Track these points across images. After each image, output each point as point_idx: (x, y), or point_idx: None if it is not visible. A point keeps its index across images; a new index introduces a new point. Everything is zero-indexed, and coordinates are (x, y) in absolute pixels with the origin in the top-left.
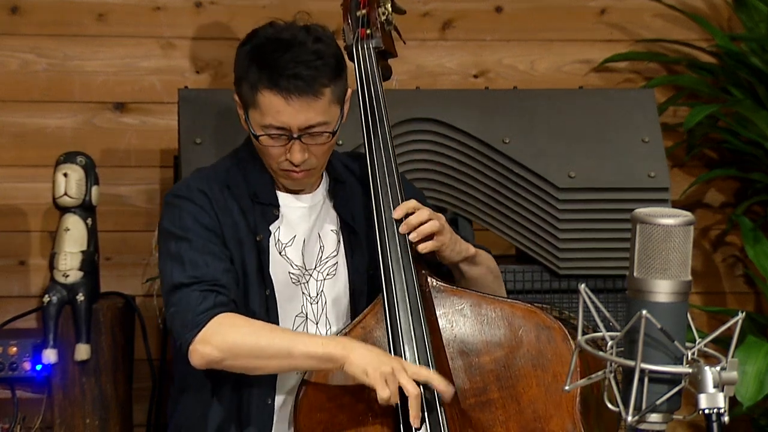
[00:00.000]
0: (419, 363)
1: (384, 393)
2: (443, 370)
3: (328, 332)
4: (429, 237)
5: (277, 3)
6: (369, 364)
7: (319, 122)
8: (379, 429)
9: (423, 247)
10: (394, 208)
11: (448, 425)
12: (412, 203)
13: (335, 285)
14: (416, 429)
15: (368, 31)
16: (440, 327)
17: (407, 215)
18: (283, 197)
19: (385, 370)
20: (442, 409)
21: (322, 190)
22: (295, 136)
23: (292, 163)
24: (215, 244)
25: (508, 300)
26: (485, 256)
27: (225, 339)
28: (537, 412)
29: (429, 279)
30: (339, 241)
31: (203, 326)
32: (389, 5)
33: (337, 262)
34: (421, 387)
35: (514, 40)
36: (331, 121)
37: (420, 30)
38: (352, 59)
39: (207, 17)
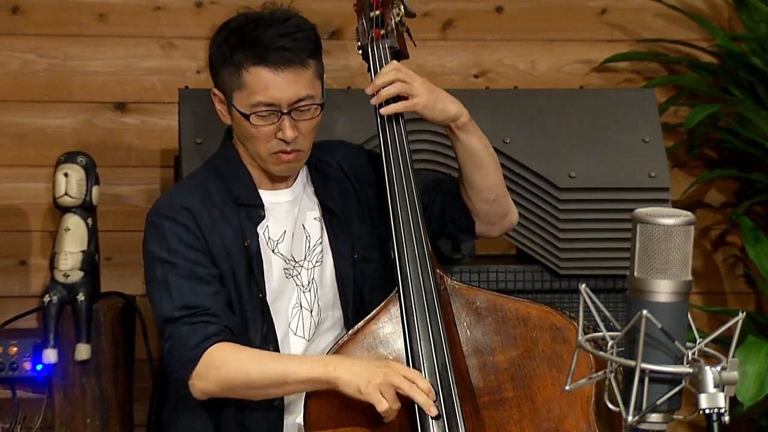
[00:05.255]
0: (436, 360)
1: (381, 406)
2: (459, 368)
3: (320, 318)
4: (397, 99)
5: (271, 2)
6: (361, 380)
7: (308, 95)
8: (393, 426)
9: (385, 111)
10: (410, 210)
11: (464, 423)
12: (388, 67)
13: (323, 271)
14: (434, 418)
15: (382, 32)
16: (455, 325)
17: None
18: (266, 195)
19: (377, 381)
20: (459, 407)
21: (300, 181)
22: (285, 111)
23: (284, 141)
24: (202, 266)
25: (524, 300)
26: (479, 133)
27: (218, 374)
28: (551, 412)
29: (445, 278)
30: (322, 227)
31: (197, 362)
32: (402, 7)
33: (322, 249)
34: (438, 383)
35: (515, 40)
36: (317, 95)
37: (420, 30)
38: (366, 59)
39: (207, 17)
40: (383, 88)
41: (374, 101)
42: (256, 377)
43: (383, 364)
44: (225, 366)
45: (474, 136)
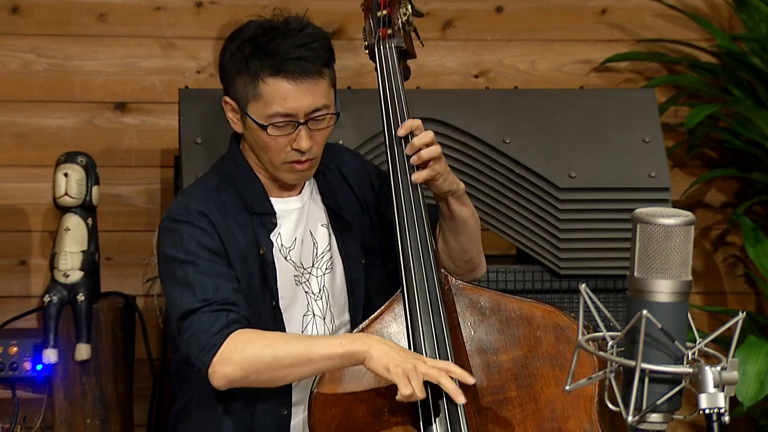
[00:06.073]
0: (439, 359)
1: (406, 390)
2: (462, 366)
3: (333, 326)
4: (424, 165)
5: (278, 3)
6: (390, 360)
7: (324, 104)
8: (397, 423)
9: (417, 177)
10: (415, 209)
11: (466, 423)
12: (417, 122)
13: (334, 278)
14: (447, 423)
15: (389, 31)
16: (459, 325)
17: (412, 135)
18: (276, 203)
19: (406, 366)
20: (462, 406)
21: (307, 189)
22: (301, 121)
23: (299, 151)
24: (221, 265)
25: (528, 300)
26: (470, 203)
27: (243, 356)
28: (555, 412)
29: (449, 277)
30: (330, 234)
31: (219, 346)
32: (409, 6)
33: (331, 256)
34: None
35: (515, 40)
36: (331, 104)
37: (420, 30)
38: (373, 59)
39: (207, 17)
40: (422, 148)
41: (415, 161)
42: (283, 355)
43: (414, 354)
44: (250, 346)
45: (467, 206)
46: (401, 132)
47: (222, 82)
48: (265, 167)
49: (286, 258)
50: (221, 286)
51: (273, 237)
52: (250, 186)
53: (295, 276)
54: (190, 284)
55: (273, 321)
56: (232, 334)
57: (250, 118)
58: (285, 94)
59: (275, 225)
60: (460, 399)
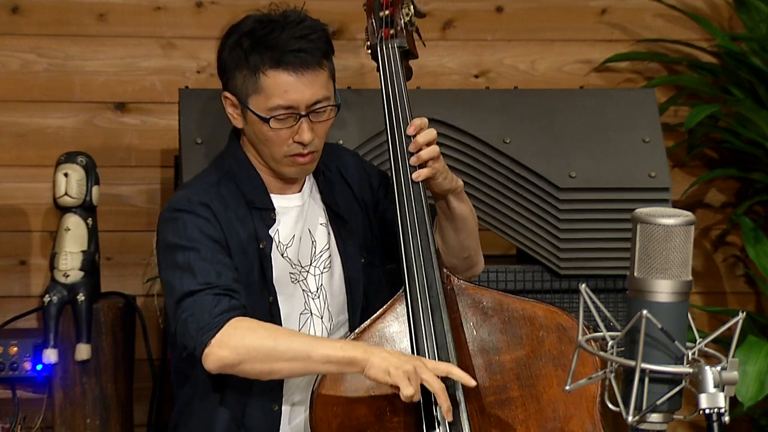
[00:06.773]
0: (440, 359)
1: (408, 390)
2: (464, 367)
3: (331, 325)
4: (423, 165)
5: (277, 3)
6: (390, 364)
7: (324, 96)
8: (399, 423)
9: (417, 175)
10: (417, 209)
11: (468, 422)
12: (425, 121)
13: (332, 277)
14: (449, 423)
15: (392, 31)
16: (462, 325)
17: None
18: (276, 199)
19: (406, 368)
20: (465, 406)
21: (307, 187)
22: (303, 113)
23: (302, 143)
24: (223, 254)
25: (530, 300)
26: (468, 199)
27: (243, 342)
28: (557, 412)
29: (451, 277)
30: (329, 233)
31: (219, 329)
32: (412, 7)
33: (330, 255)
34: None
35: (515, 39)
36: (331, 95)
37: (421, 30)
38: (375, 59)
39: (207, 17)
40: (422, 148)
41: (414, 161)
42: (284, 348)
43: (415, 357)
44: (251, 334)
45: (465, 203)
46: (411, 130)
47: (221, 78)
48: (266, 163)
49: (282, 255)
50: (223, 273)
51: (271, 232)
52: (250, 182)
53: (291, 274)
54: (191, 269)
55: (270, 317)
56: (234, 319)
57: (252, 111)
58: (286, 87)
59: (274, 221)
60: (449, 417)
